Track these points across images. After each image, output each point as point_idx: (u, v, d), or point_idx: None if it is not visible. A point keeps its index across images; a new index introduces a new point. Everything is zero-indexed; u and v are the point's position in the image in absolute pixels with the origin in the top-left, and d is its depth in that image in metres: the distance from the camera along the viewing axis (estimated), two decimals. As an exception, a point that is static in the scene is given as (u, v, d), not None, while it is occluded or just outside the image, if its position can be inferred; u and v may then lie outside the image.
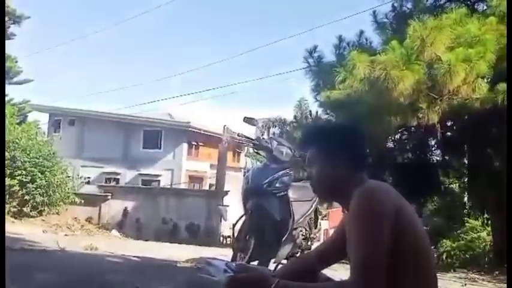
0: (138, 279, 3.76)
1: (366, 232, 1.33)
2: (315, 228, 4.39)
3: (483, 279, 6.75)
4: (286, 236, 3.78)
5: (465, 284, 6.02)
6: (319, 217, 5.50)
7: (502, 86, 6.13)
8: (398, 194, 1.45)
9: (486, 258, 8.73)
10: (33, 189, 12.48)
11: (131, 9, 45.34)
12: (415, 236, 1.38)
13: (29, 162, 12.57)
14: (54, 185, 13.12)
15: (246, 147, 22.49)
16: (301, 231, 4.07)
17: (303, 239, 4.11)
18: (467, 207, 12.77)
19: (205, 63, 69.30)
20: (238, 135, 4.57)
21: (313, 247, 4.58)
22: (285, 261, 4.05)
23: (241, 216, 3.93)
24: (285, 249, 3.85)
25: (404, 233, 1.34)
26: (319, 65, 9.05)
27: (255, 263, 3.61)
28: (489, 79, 6.53)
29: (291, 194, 3.89)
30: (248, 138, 4.25)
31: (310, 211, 4.15)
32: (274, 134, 10.39)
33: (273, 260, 3.79)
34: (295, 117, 11.35)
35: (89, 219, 14.40)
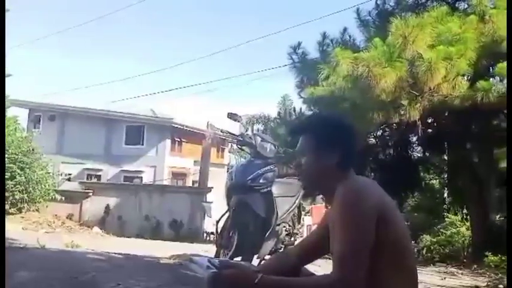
0: (120, 276, 3.73)
1: (349, 229, 1.34)
2: (298, 224, 4.42)
3: (462, 273, 6.89)
4: (269, 231, 3.79)
5: (444, 278, 6.14)
6: (303, 213, 5.54)
7: (482, 84, 6.24)
8: (382, 191, 1.46)
9: (465, 253, 8.91)
10: (12, 186, 12.26)
11: (113, 3, 44.68)
12: (396, 233, 1.40)
13: (8, 158, 12.33)
14: (34, 181, 12.92)
15: (229, 144, 22.46)
16: (284, 227, 4.09)
17: (286, 234, 4.13)
18: (447, 202, 13.02)
19: (188, 59, 68.81)
20: (221, 131, 4.56)
21: (296, 242, 4.62)
22: (268, 257, 4.08)
23: (225, 212, 3.93)
24: (268, 245, 3.87)
25: (386, 230, 1.36)
26: (303, 62, 9.07)
27: (239, 259, 3.62)
28: (469, 77, 6.64)
29: (275, 190, 3.90)
30: (232, 134, 4.25)
31: (293, 207, 4.17)
32: (258, 130, 10.41)
33: (256, 256, 3.80)
34: (278, 113, 11.41)
35: (69, 217, 14.22)
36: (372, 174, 8.87)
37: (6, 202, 12.17)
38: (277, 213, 3.85)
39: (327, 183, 1.52)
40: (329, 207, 1.60)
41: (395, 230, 1.40)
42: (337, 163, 1.51)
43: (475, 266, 7.30)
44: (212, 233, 12.64)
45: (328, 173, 1.52)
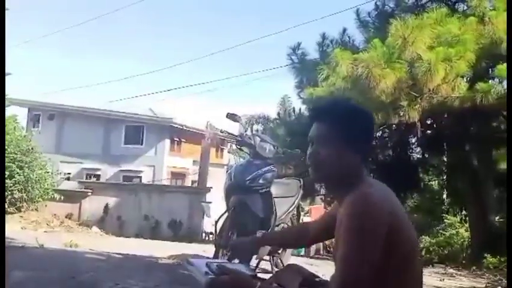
0: (119, 276, 3.73)
1: (357, 244, 1.26)
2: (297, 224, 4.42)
3: (460, 274, 6.90)
4: (268, 232, 3.79)
5: (443, 279, 6.14)
6: (302, 213, 5.53)
7: (481, 86, 6.25)
8: (395, 198, 1.39)
9: (464, 254, 8.93)
10: (11, 185, 12.24)
11: (112, 3, 44.66)
12: (406, 244, 1.33)
13: (7, 157, 12.31)
14: (33, 180, 12.90)
15: (229, 144, 22.46)
16: (283, 227, 4.09)
17: (285, 235, 4.13)
18: (446, 204, 13.03)
19: (188, 59, 68.80)
20: (221, 131, 4.55)
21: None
22: (267, 258, 4.08)
23: (224, 212, 3.93)
24: (267, 246, 3.87)
25: (396, 241, 1.29)
26: (303, 62, 9.08)
27: (237, 260, 3.62)
28: (468, 78, 6.65)
29: (274, 190, 3.90)
30: (231, 134, 4.25)
31: (292, 207, 4.17)
32: (257, 130, 10.39)
33: (255, 256, 3.80)
34: (278, 114, 11.39)
35: (69, 216, 14.20)
36: (371, 175, 8.88)
37: (5, 201, 12.17)
38: (276, 213, 3.85)
39: (345, 179, 1.40)
40: (334, 204, 1.55)
41: (405, 240, 1.33)
42: (358, 157, 1.40)
43: (474, 267, 7.31)
44: (211, 233, 12.64)
45: (350, 167, 1.39)
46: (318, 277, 1.57)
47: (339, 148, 1.38)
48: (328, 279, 1.50)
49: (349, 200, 1.32)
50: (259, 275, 1.71)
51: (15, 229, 9.92)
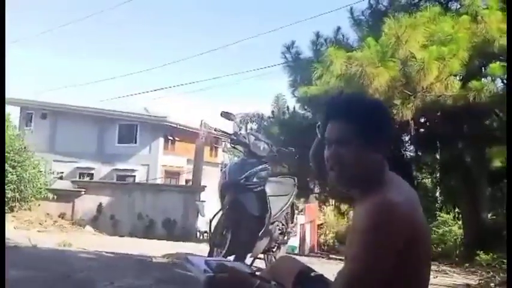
0: (113, 275, 3.72)
1: (367, 249, 1.23)
2: (292, 222, 4.43)
3: (454, 271, 6.94)
4: (263, 230, 3.79)
5: (436, 276, 6.17)
6: (296, 212, 5.54)
7: (474, 84, 6.30)
8: (418, 206, 1.35)
9: (457, 251, 8.99)
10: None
11: (106, 2, 44.38)
12: (420, 257, 1.30)
13: (-1, 156, 12.22)
14: (26, 180, 12.82)
15: (223, 143, 22.43)
16: (277, 225, 4.10)
17: (280, 233, 4.14)
18: (439, 201, 13.11)
19: (182, 58, 68.60)
20: (215, 130, 4.55)
21: (289, 241, 4.63)
22: (261, 256, 4.08)
23: (218, 211, 3.92)
24: (262, 244, 3.87)
25: (412, 251, 1.26)
26: (297, 61, 9.09)
27: (232, 257, 3.62)
28: (461, 77, 6.69)
29: (268, 188, 3.90)
30: (225, 133, 4.24)
31: (287, 206, 4.18)
32: (251, 129, 10.40)
33: (249, 255, 3.81)
34: (272, 112, 11.39)
35: (62, 215, 14.11)
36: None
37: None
38: (270, 212, 3.85)
39: (369, 179, 1.35)
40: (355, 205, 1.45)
41: (420, 252, 1.30)
42: (383, 154, 1.35)
43: (467, 264, 7.36)
44: (205, 232, 12.63)
45: (373, 166, 1.35)
46: (314, 271, 1.56)
47: (361, 148, 1.33)
48: (323, 274, 1.51)
49: (371, 203, 1.27)
50: (256, 273, 1.71)
51: (8, 229, 9.85)
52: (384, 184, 1.31)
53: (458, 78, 6.61)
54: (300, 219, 13.17)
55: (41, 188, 13.34)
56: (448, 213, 11.48)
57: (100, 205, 14.54)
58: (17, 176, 12.52)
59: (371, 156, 1.34)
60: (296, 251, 12.54)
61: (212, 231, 3.95)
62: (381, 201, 1.25)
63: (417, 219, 1.30)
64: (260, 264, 3.99)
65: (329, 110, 1.45)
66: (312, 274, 1.53)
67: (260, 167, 3.82)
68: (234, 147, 4.51)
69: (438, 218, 11.51)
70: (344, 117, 1.37)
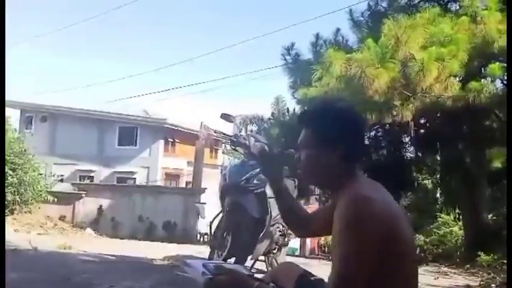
0: (113, 278, 3.71)
1: (351, 244, 1.26)
2: (292, 224, 4.42)
3: (455, 273, 6.93)
4: (263, 232, 3.79)
5: (437, 278, 6.17)
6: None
7: (473, 85, 6.29)
8: (391, 198, 1.39)
9: (458, 252, 8.97)
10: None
11: (105, 3, 44.46)
12: (402, 246, 1.33)
13: (-1, 159, 12.20)
14: (26, 183, 12.80)
15: (223, 144, 22.42)
16: (278, 227, 4.09)
17: (280, 235, 4.13)
18: (439, 202, 13.09)
19: (182, 60, 68.66)
20: (215, 132, 4.55)
21: (290, 243, 4.62)
22: (262, 258, 4.08)
23: (219, 213, 3.92)
24: (262, 246, 3.87)
25: (392, 244, 1.29)
26: (297, 63, 9.09)
27: (232, 260, 3.61)
28: (461, 78, 6.69)
29: (269, 190, 3.90)
30: (225, 135, 4.24)
31: (287, 208, 4.17)
32: (251, 131, 10.38)
33: (250, 257, 3.80)
34: (272, 114, 11.37)
35: (62, 218, 14.10)
36: (365, 174, 8.90)
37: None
38: (271, 214, 3.85)
39: (330, 180, 1.45)
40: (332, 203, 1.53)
41: (401, 240, 1.33)
42: (340, 157, 1.41)
43: (468, 265, 7.35)
44: (206, 234, 12.61)
45: (330, 167, 1.43)
46: (314, 275, 1.57)
47: (321, 151, 1.43)
48: (323, 278, 1.51)
49: (344, 201, 1.32)
50: (254, 275, 1.71)
51: (8, 231, 9.84)
52: (354, 184, 1.37)
53: (457, 79, 6.60)
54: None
55: (41, 191, 13.33)
56: (448, 214, 11.45)
57: (100, 207, 14.53)
58: (17, 179, 12.51)
59: (329, 159, 1.42)
60: (297, 253, 12.54)
61: (213, 233, 3.96)
62: (354, 198, 1.30)
63: (393, 212, 1.34)
64: (261, 266, 3.98)
65: (298, 117, 1.62)
66: (312, 278, 1.54)
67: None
68: (234, 149, 4.51)
69: (439, 219, 11.48)
70: (305, 124, 1.51)
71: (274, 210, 3.93)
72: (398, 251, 1.31)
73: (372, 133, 9.16)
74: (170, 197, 14.68)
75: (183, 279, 3.49)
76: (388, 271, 1.30)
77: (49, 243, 7.28)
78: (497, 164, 8.68)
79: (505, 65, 6.03)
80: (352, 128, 1.48)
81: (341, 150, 1.41)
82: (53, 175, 16.06)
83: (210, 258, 3.77)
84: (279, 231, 4.12)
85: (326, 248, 16.83)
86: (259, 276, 1.65)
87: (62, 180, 17.88)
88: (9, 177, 12.24)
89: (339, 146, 1.41)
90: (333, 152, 1.41)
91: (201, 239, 13.66)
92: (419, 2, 8.24)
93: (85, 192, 14.90)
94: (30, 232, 10.92)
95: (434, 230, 10.90)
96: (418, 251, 9.84)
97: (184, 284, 3.41)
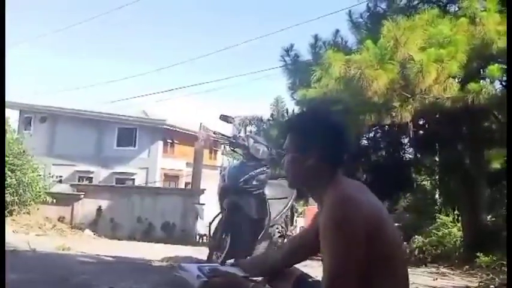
0: (112, 279, 3.71)
1: (339, 244, 1.30)
2: (291, 225, 4.43)
3: (453, 274, 6.93)
4: (262, 233, 3.79)
5: (436, 279, 6.17)
6: (295, 214, 5.54)
7: (472, 86, 6.29)
8: (374, 196, 1.43)
9: (457, 253, 8.96)
10: (3, 188, 12.14)
11: (105, 3, 44.47)
12: (388, 244, 1.37)
13: (-2, 160, 12.18)
14: (25, 184, 12.80)
15: (222, 145, 22.42)
16: (277, 228, 4.09)
17: (279, 236, 4.14)
18: (438, 203, 13.08)
19: (181, 61, 68.71)
20: (214, 133, 4.55)
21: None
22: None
23: (218, 214, 3.92)
24: (261, 247, 3.87)
25: (378, 240, 1.33)
26: (296, 64, 9.08)
27: (231, 261, 3.61)
28: (460, 79, 6.69)
29: (268, 191, 3.90)
30: (225, 136, 4.24)
31: (286, 209, 4.18)
32: (250, 132, 10.38)
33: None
34: (271, 115, 11.37)
35: (61, 219, 14.09)
36: (364, 175, 8.90)
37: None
38: (270, 215, 3.85)
39: (311, 182, 1.51)
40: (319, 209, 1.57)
41: (387, 241, 1.37)
42: (319, 160, 1.47)
43: (467, 266, 7.34)
44: (205, 235, 12.60)
45: (310, 170, 1.49)
46: (311, 277, 1.57)
47: (300, 155, 1.51)
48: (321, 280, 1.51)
49: (326, 200, 1.38)
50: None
51: (7, 233, 9.82)
52: (337, 186, 1.42)
53: (456, 81, 6.60)
54: (300, 222, 13.16)
55: (40, 192, 13.32)
56: (447, 215, 11.42)
57: (99, 209, 14.52)
58: (16, 180, 12.51)
59: (308, 162, 1.48)
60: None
61: (211, 234, 3.95)
62: (339, 198, 1.35)
63: (374, 207, 1.39)
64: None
65: (283, 126, 1.73)
66: (310, 280, 1.54)
67: (259, 169, 3.82)
68: (233, 150, 4.51)
69: (437, 220, 11.46)
70: (288, 130, 1.62)
71: (273, 211, 3.93)
72: (385, 251, 1.35)
73: (371, 134, 9.17)
74: (169, 198, 14.67)
75: (182, 281, 3.48)
76: (377, 271, 1.33)
77: (48, 244, 7.27)
78: (496, 165, 8.68)
79: (504, 66, 6.03)
80: (330, 133, 1.53)
81: (319, 154, 1.48)
82: (52, 176, 16.07)
83: (209, 259, 3.76)
84: (278, 232, 4.12)
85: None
86: (257, 277, 1.64)
87: (60, 181, 17.88)
88: (8, 178, 12.23)
89: (316, 150, 1.48)
90: (311, 156, 1.48)
91: (200, 240, 13.65)
92: (418, 4, 8.24)
93: (84, 193, 14.89)
94: (28, 233, 10.91)
95: (433, 231, 10.88)
96: (416, 252, 9.84)
97: (183, 285, 3.40)
